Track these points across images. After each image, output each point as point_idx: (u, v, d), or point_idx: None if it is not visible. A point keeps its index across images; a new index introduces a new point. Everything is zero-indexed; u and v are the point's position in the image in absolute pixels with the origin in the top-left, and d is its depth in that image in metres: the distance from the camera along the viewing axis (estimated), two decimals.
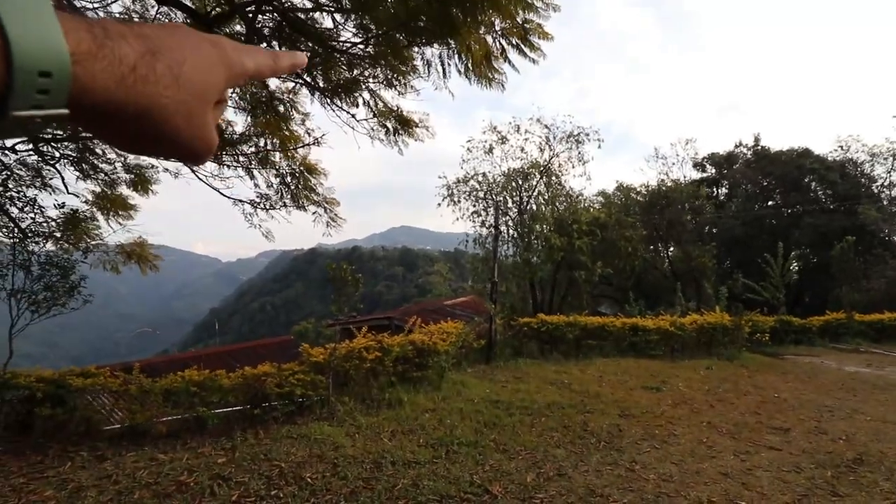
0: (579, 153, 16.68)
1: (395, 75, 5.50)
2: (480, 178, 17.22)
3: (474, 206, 17.55)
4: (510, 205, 17.02)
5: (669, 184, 21.56)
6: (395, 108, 6.04)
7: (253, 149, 6.75)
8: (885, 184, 30.90)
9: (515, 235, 16.78)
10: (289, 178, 6.95)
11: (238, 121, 6.35)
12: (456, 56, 4.71)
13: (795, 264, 14.70)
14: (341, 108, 5.96)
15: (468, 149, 17.50)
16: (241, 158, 6.78)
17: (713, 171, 35.07)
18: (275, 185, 6.96)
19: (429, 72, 4.87)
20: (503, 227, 16.07)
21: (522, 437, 5.62)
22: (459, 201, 17.25)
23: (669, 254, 20.48)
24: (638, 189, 22.17)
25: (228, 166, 6.80)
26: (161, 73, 0.34)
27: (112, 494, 3.93)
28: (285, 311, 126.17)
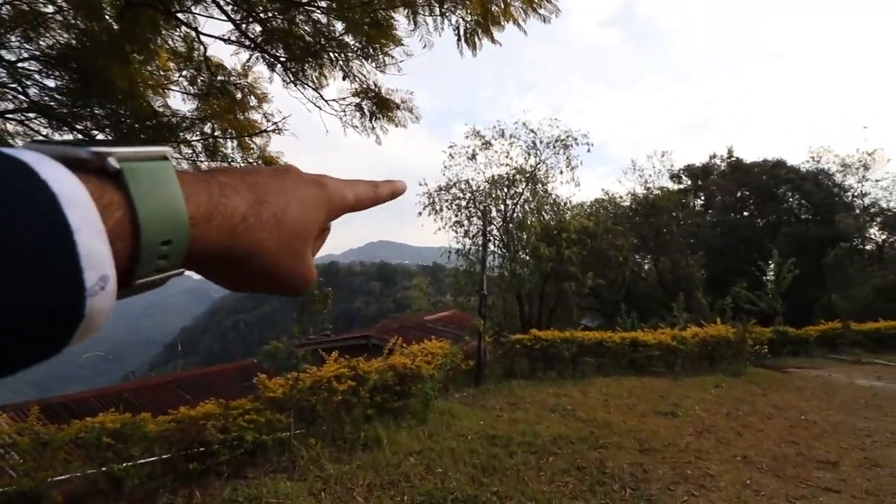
0: (567, 158, 15.89)
1: (372, 43, 4.49)
2: (463, 186, 16.27)
3: (456, 215, 16.56)
4: (494, 213, 16.06)
5: (656, 192, 21.02)
6: (373, 87, 5.01)
7: (199, 138, 5.61)
8: (857, 194, 31.30)
9: (500, 245, 15.81)
10: None
11: (182, 107, 5.19)
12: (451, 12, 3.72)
13: (792, 272, 14.05)
14: (306, 84, 4.92)
15: (450, 154, 16.55)
16: (185, 150, 5.63)
17: (689, 182, 35.04)
18: None
19: (415, 24, 3.87)
20: (482, 240, 15.06)
21: (530, 485, 4.56)
22: (441, 210, 16.22)
23: (658, 264, 19.83)
24: (623, 197, 21.61)
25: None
26: (266, 219, 0.36)
27: None
28: (259, 328, 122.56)
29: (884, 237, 29.99)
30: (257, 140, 5.95)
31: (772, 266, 15.12)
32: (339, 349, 6.92)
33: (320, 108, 5.10)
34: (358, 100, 5.17)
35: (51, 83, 5.47)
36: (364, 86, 5.02)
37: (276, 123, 5.40)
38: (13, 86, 5.12)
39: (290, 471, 4.64)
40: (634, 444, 5.72)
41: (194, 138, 5.49)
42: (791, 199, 33.85)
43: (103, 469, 4.13)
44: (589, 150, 15.79)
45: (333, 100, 5.19)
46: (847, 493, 4.52)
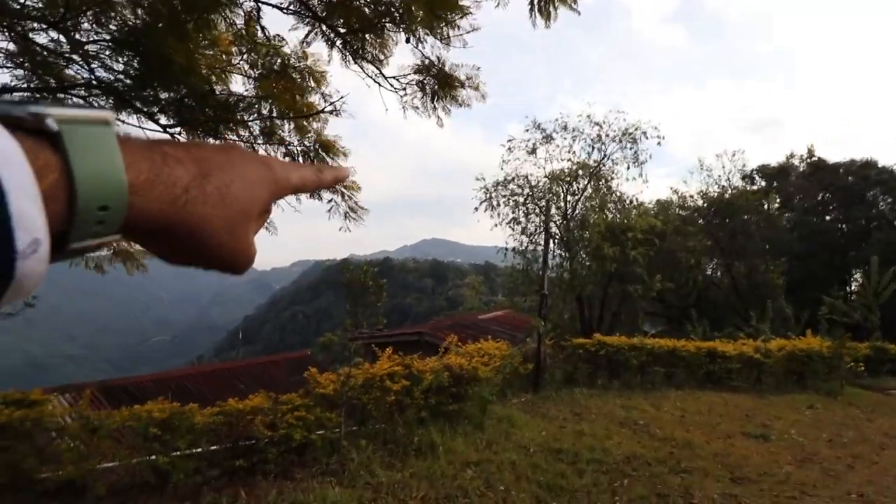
0: (634, 153, 14.88)
1: (436, 10, 4.06)
2: (522, 181, 15.62)
3: (514, 211, 15.94)
4: (554, 211, 15.31)
5: (732, 190, 19.39)
6: (437, 62, 4.59)
7: (257, 120, 5.41)
8: None
9: (560, 244, 15.04)
10: (300, 158, 5.59)
11: (240, 87, 4.98)
12: None
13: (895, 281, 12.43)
14: (366, 60, 4.57)
15: (509, 148, 15.95)
16: (242, 132, 5.45)
17: (763, 183, 32.39)
18: None
19: None
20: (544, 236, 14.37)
21: None
22: (499, 206, 15.65)
23: (732, 268, 18.27)
24: (695, 196, 20.08)
25: (228, 141, 5.51)
26: (210, 193, 0.35)
27: None
28: (316, 320, 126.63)
29: None
30: (314, 124, 5.71)
31: (859, 275, 13.46)
32: (392, 345, 6.59)
33: (380, 85, 4.74)
34: (419, 77, 4.76)
35: (118, 66, 5.47)
36: (426, 61, 4.60)
37: (333, 104, 5.08)
38: (81, 63, 5.12)
39: (339, 474, 4.31)
40: (723, 470, 4.99)
41: (251, 119, 5.28)
42: (883, 203, 30.75)
43: (150, 459, 3.96)
44: (659, 144, 14.73)
45: (394, 77, 4.81)
46: None
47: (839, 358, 9.72)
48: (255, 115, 5.36)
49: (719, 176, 25.89)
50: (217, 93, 5.20)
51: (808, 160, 33.51)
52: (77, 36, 5.15)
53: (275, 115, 5.33)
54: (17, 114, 0.25)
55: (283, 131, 5.57)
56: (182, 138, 5.76)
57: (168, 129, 5.69)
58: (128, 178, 0.29)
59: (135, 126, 5.55)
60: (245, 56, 5.76)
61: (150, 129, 5.44)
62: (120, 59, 5.41)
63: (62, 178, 0.26)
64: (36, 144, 0.25)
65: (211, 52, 5.58)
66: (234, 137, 5.56)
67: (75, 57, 5.18)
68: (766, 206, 21.68)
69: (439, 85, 4.70)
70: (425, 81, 4.73)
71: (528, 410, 7.10)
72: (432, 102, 4.88)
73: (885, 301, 14.07)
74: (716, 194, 19.52)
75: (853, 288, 27.81)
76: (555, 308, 14.86)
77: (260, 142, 5.67)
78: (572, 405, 7.46)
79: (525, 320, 15.06)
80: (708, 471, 4.95)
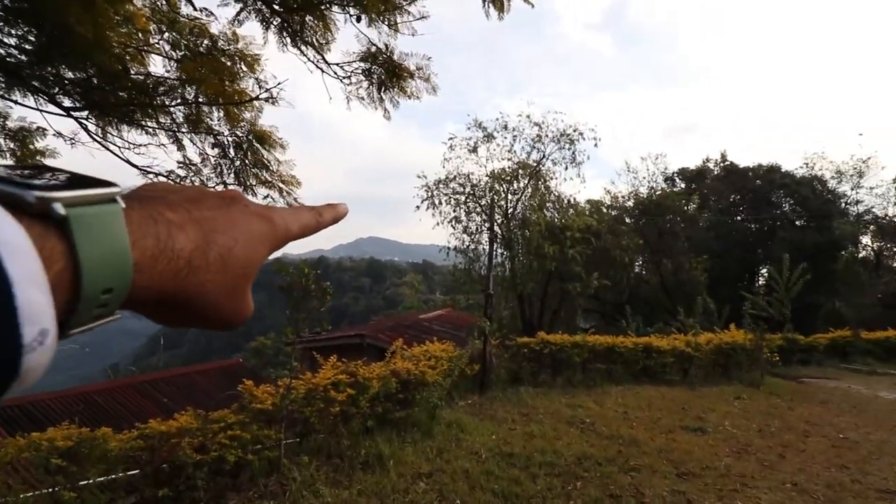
0: (572, 153, 15.23)
1: None
2: (463, 180, 15.55)
3: (455, 210, 15.85)
4: (496, 209, 15.37)
5: (658, 191, 20.45)
6: (385, 49, 4.28)
7: (180, 105, 4.85)
8: (851, 201, 31.18)
9: (502, 243, 15.12)
10: (231, 150, 5.08)
11: (160, 69, 4.43)
12: None
13: (804, 277, 13.55)
14: (306, 44, 4.19)
15: (450, 146, 15.83)
16: (163, 119, 4.87)
17: (683, 185, 34.60)
18: (212, 158, 5.08)
19: None
20: (488, 235, 14.37)
21: None
22: (440, 204, 15.49)
23: (660, 266, 19.27)
24: (626, 196, 20.99)
25: (146, 129, 4.89)
26: (212, 261, 0.34)
27: None
28: (246, 322, 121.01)
29: (879, 245, 29.83)
30: (247, 112, 5.21)
31: (766, 271, 14.58)
32: (333, 349, 6.22)
33: (322, 71, 4.37)
34: (366, 65, 4.44)
35: (11, 39, 4.72)
36: (373, 48, 4.30)
37: (269, 91, 4.63)
38: None
39: (279, 497, 3.92)
40: (669, 466, 5.08)
41: (174, 104, 4.72)
42: (786, 205, 33.66)
43: (53, 491, 3.38)
44: (596, 145, 15.18)
45: (337, 64, 4.45)
46: None
47: (759, 350, 10.40)
48: (179, 100, 4.80)
49: (644, 178, 27.27)
50: (132, 74, 4.60)
51: (722, 164, 36.14)
52: None
53: (201, 100, 4.80)
54: (25, 198, 0.24)
55: (211, 119, 5.04)
56: (91, 124, 5.08)
57: (73, 113, 5.00)
58: (133, 257, 0.28)
59: (33, 109, 4.84)
60: (165, 34, 5.18)
61: (50, 112, 4.74)
62: (13, 31, 4.69)
63: (68, 266, 0.25)
64: (43, 231, 0.24)
65: (125, 30, 4.96)
66: (153, 124, 4.96)
67: None
68: (687, 207, 23.04)
69: (387, 74, 4.40)
70: (372, 70, 4.42)
71: (477, 413, 6.96)
72: (379, 93, 4.58)
73: (794, 295, 15.32)
74: (644, 195, 20.51)
75: (762, 282, 30.32)
76: (497, 307, 14.92)
77: (184, 130, 5.11)
78: (519, 405, 7.41)
79: (466, 318, 15.00)
80: (655, 468, 5.01)
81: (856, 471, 5.21)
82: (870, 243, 30.32)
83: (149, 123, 4.90)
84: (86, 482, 3.53)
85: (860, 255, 28.22)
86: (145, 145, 4.91)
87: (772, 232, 31.73)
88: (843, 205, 31.45)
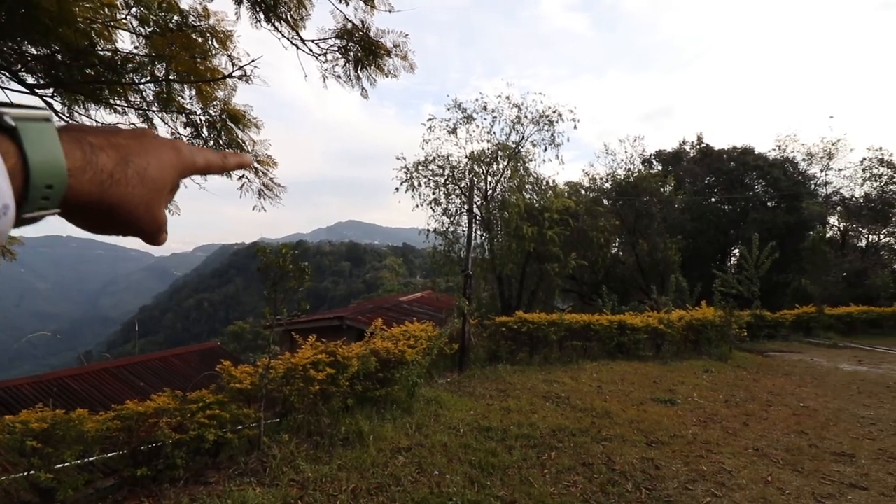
0: (552, 135, 15.30)
1: None
2: (443, 161, 15.51)
3: (434, 192, 15.82)
4: (475, 191, 15.40)
5: (636, 173, 20.75)
6: (361, 25, 4.24)
7: (150, 83, 4.73)
8: (820, 182, 32.09)
9: (481, 225, 15.20)
10: (205, 129, 4.99)
11: (129, 46, 4.33)
12: None
13: (772, 256, 14.01)
14: (280, 18, 4.12)
15: (429, 127, 15.73)
16: (133, 97, 4.75)
17: (660, 167, 35.11)
18: (184, 138, 4.98)
19: None
20: (467, 217, 14.40)
21: (536, 486, 4.04)
22: (420, 186, 15.45)
23: (636, 247, 19.66)
24: (604, 178, 21.26)
25: (115, 108, 4.76)
26: (130, 176, 0.41)
27: None
28: (224, 308, 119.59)
29: (844, 225, 30.84)
30: (220, 91, 5.11)
31: (737, 250, 15.00)
32: (313, 331, 6.24)
33: (297, 48, 4.31)
34: (342, 42, 4.39)
35: None
36: (349, 24, 4.25)
37: (242, 68, 4.55)
38: None
39: (259, 474, 3.97)
40: (639, 435, 5.29)
41: (143, 81, 4.61)
42: (758, 186, 34.42)
43: (29, 475, 3.38)
44: (575, 127, 15.26)
45: (313, 41, 4.39)
46: (874, 489, 4.18)
47: (728, 326, 10.77)
48: (148, 77, 4.68)
49: (622, 160, 27.60)
50: (99, 50, 4.46)
51: (698, 146, 36.74)
52: None
53: (172, 78, 4.69)
54: None
55: (182, 98, 4.93)
56: (57, 102, 4.92)
57: (38, 91, 4.84)
58: (66, 164, 0.36)
59: None
60: (133, 9, 5.02)
61: (13, 90, 4.58)
62: None
63: (19, 162, 0.33)
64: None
65: (90, 4, 4.79)
66: (122, 103, 4.83)
67: None
68: (663, 189, 23.44)
69: (364, 52, 4.36)
70: (348, 47, 4.37)
71: (456, 390, 7.10)
72: (356, 71, 4.54)
73: (763, 274, 15.84)
74: (622, 177, 20.80)
75: (733, 262, 31.16)
76: (476, 287, 15.06)
77: (155, 108, 4.99)
78: (497, 382, 7.58)
79: (446, 300, 15.12)
80: (626, 437, 5.22)
81: (814, 436, 5.51)
82: (836, 223, 31.28)
83: (117, 102, 4.78)
84: (63, 464, 3.53)
85: (827, 235, 29.24)
86: (114, 125, 4.82)
87: (744, 213, 32.47)
88: (812, 186, 32.27)
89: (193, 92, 4.88)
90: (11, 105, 0.36)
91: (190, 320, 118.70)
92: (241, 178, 5.06)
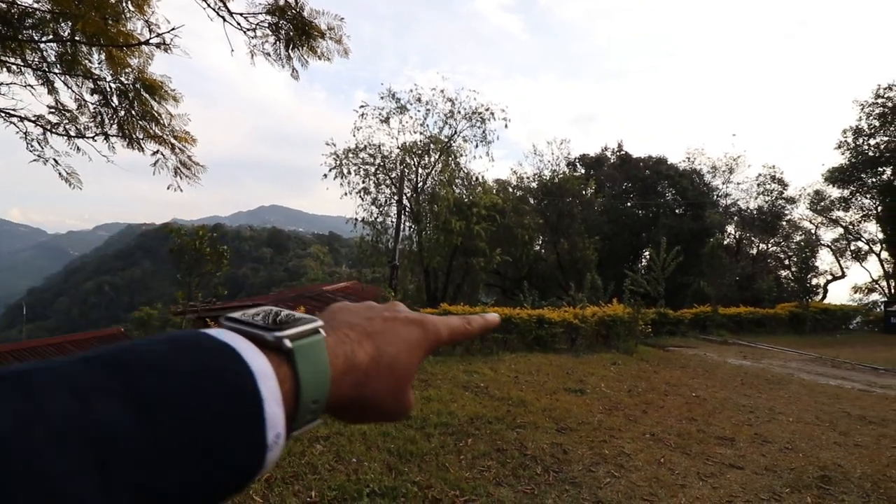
0: (483, 132, 15.61)
1: None
2: (374, 150, 15.33)
3: (364, 181, 15.63)
4: (405, 183, 15.40)
5: (561, 175, 21.73)
6: (294, 3, 4.11)
7: (52, 42, 4.29)
8: (721, 194, 35.40)
9: (410, 217, 15.23)
10: (115, 98, 4.60)
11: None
12: None
13: (677, 259, 15.30)
14: None
15: (362, 115, 15.47)
16: (31, 55, 4.29)
17: (583, 171, 36.98)
18: (90, 105, 4.57)
19: None
20: (397, 208, 14.37)
21: (452, 471, 4.18)
22: (349, 174, 15.18)
23: (557, 245, 20.64)
24: (531, 177, 22.05)
25: (8, 66, 4.27)
26: (382, 369, 0.41)
27: None
28: (129, 292, 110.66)
29: (739, 234, 34.29)
30: (134, 58, 4.73)
31: (647, 253, 16.27)
32: None
33: (224, 20, 4.09)
34: (273, 19, 4.24)
35: None
36: (282, 1, 4.10)
37: (160, 35, 4.25)
38: None
39: None
40: (551, 423, 5.61)
41: (44, 40, 4.18)
42: (669, 194, 37.26)
43: None
44: (507, 126, 15.69)
45: (241, 14, 4.20)
46: (749, 469, 4.73)
47: (635, 322, 11.64)
48: (50, 36, 4.25)
49: (549, 161, 28.83)
50: None
51: (618, 153, 39.12)
52: None
53: (78, 39, 4.28)
54: (266, 338, 0.33)
55: (90, 61, 4.53)
56: None
57: None
58: (330, 374, 0.36)
59: None
60: None
61: None
62: None
63: (292, 385, 0.33)
64: (278, 360, 0.33)
65: None
66: (18, 61, 4.34)
67: None
68: (585, 192, 24.76)
69: (296, 31, 4.23)
70: (280, 25, 4.22)
71: None
72: (287, 50, 4.39)
73: (668, 275, 17.26)
74: (547, 178, 21.70)
75: (644, 263, 33.59)
76: (402, 279, 15.10)
77: (56, 71, 4.54)
78: (419, 372, 7.66)
79: (372, 291, 15.04)
80: (538, 424, 5.51)
81: (702, 422, 6.12)
82: (733, 232, 34.66)
83: (11, 59, 4.29)
84: None
85: (724, 242, 32.33)
86: (7, 84, 4.30)
87: (656, 218, 35.03)
88: (714, 197, 35.46)
89: (103, 56, 4.49)
90: (287, 320, 0.36)
91: (88, 305, 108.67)
92: (154, 153, 4.74)
